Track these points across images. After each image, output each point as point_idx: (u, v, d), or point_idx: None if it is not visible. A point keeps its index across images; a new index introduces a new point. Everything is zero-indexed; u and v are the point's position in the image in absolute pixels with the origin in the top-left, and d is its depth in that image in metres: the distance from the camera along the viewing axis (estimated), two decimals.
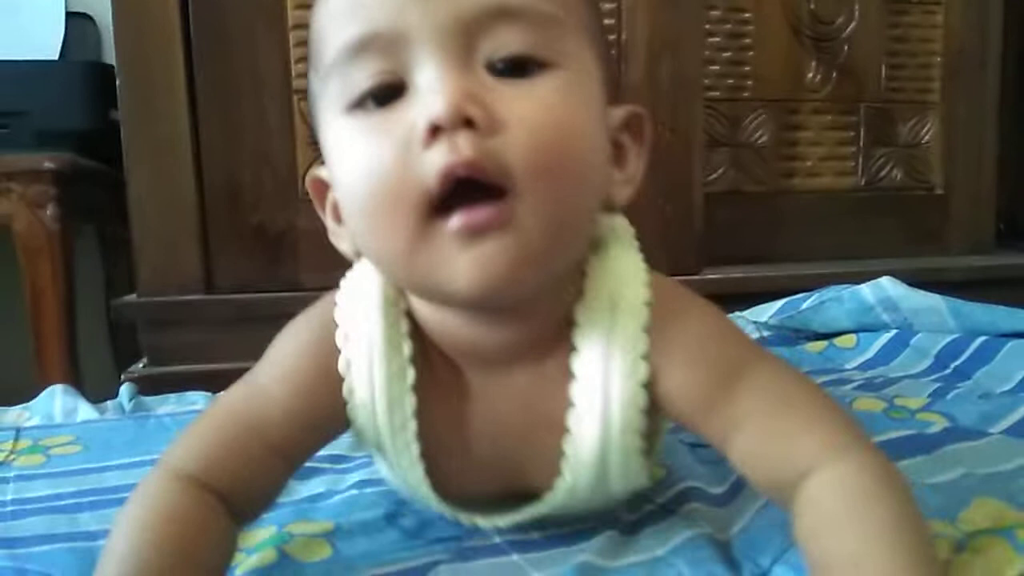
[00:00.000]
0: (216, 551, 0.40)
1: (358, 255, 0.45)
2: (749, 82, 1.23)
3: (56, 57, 1.30)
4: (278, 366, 0.45)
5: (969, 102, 1.30)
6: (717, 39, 1.20)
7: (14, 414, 0.79)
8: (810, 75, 1.25)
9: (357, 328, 0.43)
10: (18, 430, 0.73)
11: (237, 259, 1.02)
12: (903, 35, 1.28)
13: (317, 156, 0.43)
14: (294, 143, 1.02)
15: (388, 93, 0.37)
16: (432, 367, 0.44)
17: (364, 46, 0.37)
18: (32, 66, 1.23)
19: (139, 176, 1.00)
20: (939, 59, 1.29)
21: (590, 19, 0.42)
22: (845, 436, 0.39)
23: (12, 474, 0.63)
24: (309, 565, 0.48)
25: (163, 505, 0.39)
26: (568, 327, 0.43)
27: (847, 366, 0.90)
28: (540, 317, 0.43)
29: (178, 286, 1.01)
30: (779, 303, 1.01)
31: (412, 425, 0.44)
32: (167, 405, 0.82)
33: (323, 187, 0.45)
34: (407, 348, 0.43)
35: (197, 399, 0.83)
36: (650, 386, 0.42)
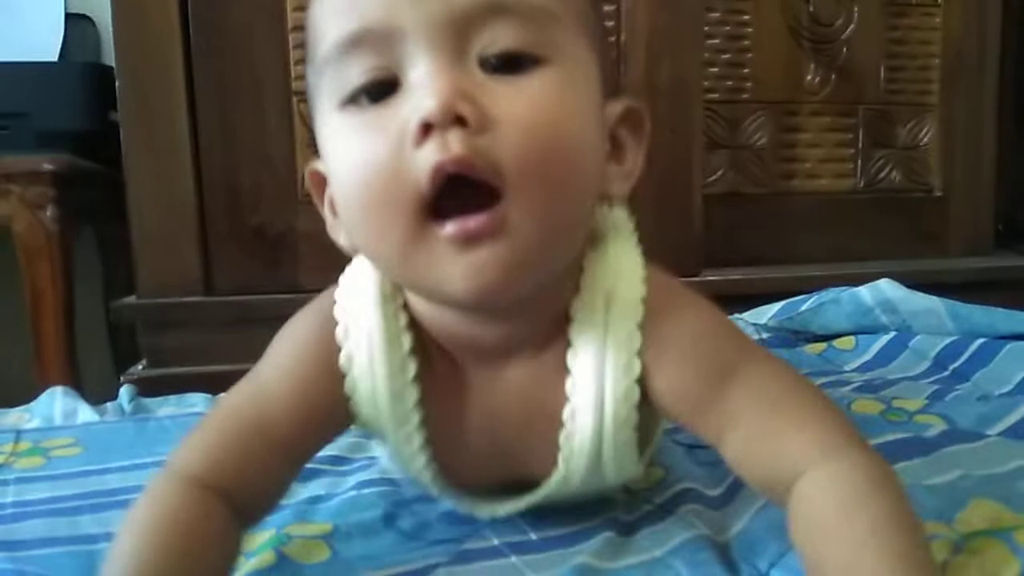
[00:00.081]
0: (220, 555, 0.40)
1: (355, 250, 0.45)
2: (748, 84, 1.23)
3: (55, 58, 1.30)
4: (279, 364, 0.45)
5: (968, 104, 1.30)
6: (716, 41, 1.21)
7: (14, 416, 0.79)
8: (809, 77, 1.25)
9: (356, 324, 0.44)
10: (18, 432, 0.73)
11: (236, 261, 1.02)
12: (902, 37, 1.28)
13: (316, 154, 0.43)
14: (293, 145, 1.02)
15: (381, 89, 0.37)
16: (431, 360, 0.45)
17: (357, 42, 0.37)
18: (31, 67, 1.23)
19: (138, 177, 1.00)
20: (938, 61, 1.29)
21: (587, 13, 0.41)
22: (838, 436, 0.39)
23: (12, 476, 0.63)
24: (308, 567, 0.48)
25: (168, 509, 0.39)
26: (564, 322, 0.43)
27: (846, 368, 0.90)
28: (537, 313, 0.43)
29: (177, 288, 1.01)
30: (778, 305, 1.01)
31: (415, 417, 0.44)
32: (167, 407, 0.82)
33: (321, 180, 0.45)
34: (406, 342, 0.43)
35: (197, 401, 0.83)
36: (643, 382, 0.43)
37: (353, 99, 0.38)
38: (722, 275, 1.12)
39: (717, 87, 1.21)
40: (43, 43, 1.30)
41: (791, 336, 0.99)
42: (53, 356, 1.16)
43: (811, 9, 1.23)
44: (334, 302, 0.45)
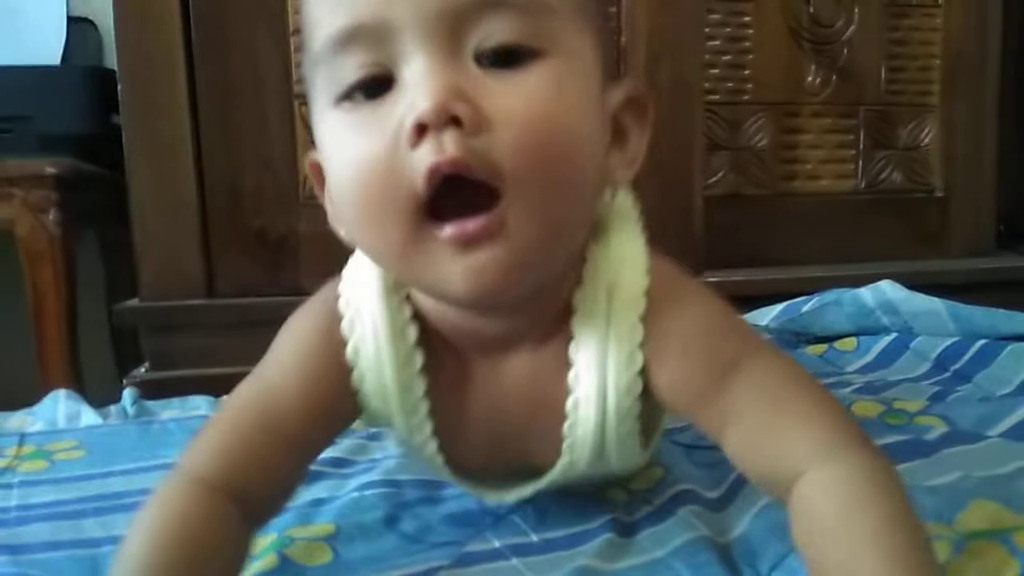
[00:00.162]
0: (228, 559, 0.40)
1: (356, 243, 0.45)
2: (749, 85, 1.23)
3: (58, 62, 1.30)
4: (285, 360, 0.45)
5: (969, 104, 1.31)
6: (717, 42, 1.21)
7: (17, 419, 0.79)
8: (810, 78, 1.25)
9: (361, 317, 0.43)
10: (22, 435, 0.73)
11: (238, 263, 1.02)
12: (902, 38, 1.28)
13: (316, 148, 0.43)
14: (295, 148, 1.03)
15: (376, 85, 0.37)
16: (435, 351, 0.44)
17: (350, 38, 0.36)
18: (34, 71, 1.24)
19: (141, 181, 1.00)
20: (938, 62, 1.29)
21: (584, 1, 0.40)
22: (841, 435, 0.39)
23: (16, 480, 0.63)
24: (310, 569, 0.48)
25: (177, 513, 0.39)
26: (567, 314, 0.43)
27: (847, 369, 0.90)
28: (538, 307, 0.43)
29: (179, 291, 1.01)
30: (779, 306, 1.01)
31: (423, 407, 0.45)
32: (170, 410, 0.82)
33: (322, 171, 0.44)
34: (412, 333, 0.43)
35: (200, 404, 0.83)
36: (646, 374, 0.43)
37: (348, 95, 0.37)
38: (723, 276, 1.12)
39: (718, 88, 1.22)
40: (45, 46, 1.31)
41: (792, 338, 0.99)
42: (55, 359, 1.16)
43: (812, 10, 1.24)
44: (337, 296, 0.45)
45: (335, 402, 0.45)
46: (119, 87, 1.00)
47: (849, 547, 0.35)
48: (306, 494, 0.58)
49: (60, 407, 0.81)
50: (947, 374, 0.85)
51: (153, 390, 0.90)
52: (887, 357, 0.91)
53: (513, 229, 0.35)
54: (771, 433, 0.40)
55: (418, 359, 0.44)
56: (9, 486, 0.62)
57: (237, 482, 0.41)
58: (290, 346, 0.45)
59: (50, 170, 1.13)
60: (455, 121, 0.34)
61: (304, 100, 0.97)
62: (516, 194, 0.35)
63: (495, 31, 0.36)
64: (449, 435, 0.47)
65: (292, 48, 1.01)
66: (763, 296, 1.05)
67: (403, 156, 0.35)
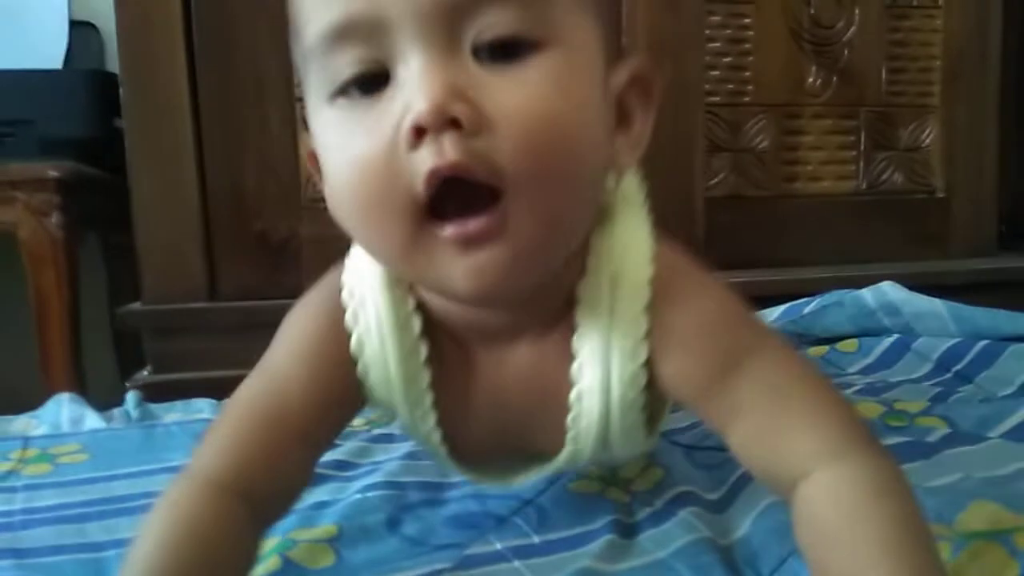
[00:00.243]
0: (237, 562, 0.40)
1: None
2: (749, 87, 1.23)
3: (60, 65, 1.31)
4: (290, 351, 0.44)
5: (969, 105, 1.30)
6: (717, 44, 1.21)
7: (21, 423, 0.80)
8: (810, 80, 1.25)
9: (364, 308, 0.43)
10: (26, 439, 0.73)
11: (241, 267, 1.02)
12: (903, 39, 1.28)
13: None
14: (297, 151, 1.03)
15: (372, 80, 0.36)
16: (438, 342, 0.44)
17: (342, 34, 0.35)
18: (36, 74, 1.24)
19: (143, 184, 1.00)
20: (939, 63, 1.29)
21: None
22: (846, 435, 0.38)
23: (20, 483, 0.63)
24: (313, 572, 0.48)
25: (186, 516, 0.39)
26: (571, 305, 0.42)
27: (849, 370, 0.90)
28: (541, 300, 0.42)
29: (182, 294, 1.01)
30: (781, 308, 1.02)
31: (428, 398, 0.44)
32: (173, 413, 0.82)
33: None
34: (416, 325, 0.43)
35: (203, 407, 0.83)
36: (650, 366, 0.42)
37: (342, 92, 0.36)
38: (724, 278, 1.12)
39: (718, 90, 1.22)
40: (47, 50, 1.31)
41: (794, 339, 1.00)
42: (58, 362, 1.16)
43: (812, 12, 1.24)
44: (340, 287, 0.44)
45: (341, 393, 0.44)
46: (121, 90, 1.00)
47: (855, 554, 0.34)
48: (309, 497, 0.58)
49: (64, 411, 0.81)
50: (948, 375, 0.85)
51: (156, 393, 0.91)
52: (888, 358, 0.91)
53: (515, 228, 0.35)
54: (775, 431, 0.39)
55: (423, 350, 0.43)
56: (14, 489, 0.62)
57: (246, 481, 0.40)
58: (294, 338, 0.45)
59: (52, 173, 1.13)
60: (454, 123, 0.33)
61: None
62: (518, 193, 0.34)
63: (493, 23, 0.35)
64: (453, 425, 0.46)
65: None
66: (764, 298, 1.05)
67: (402, 157, 0.34)
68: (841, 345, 0.96)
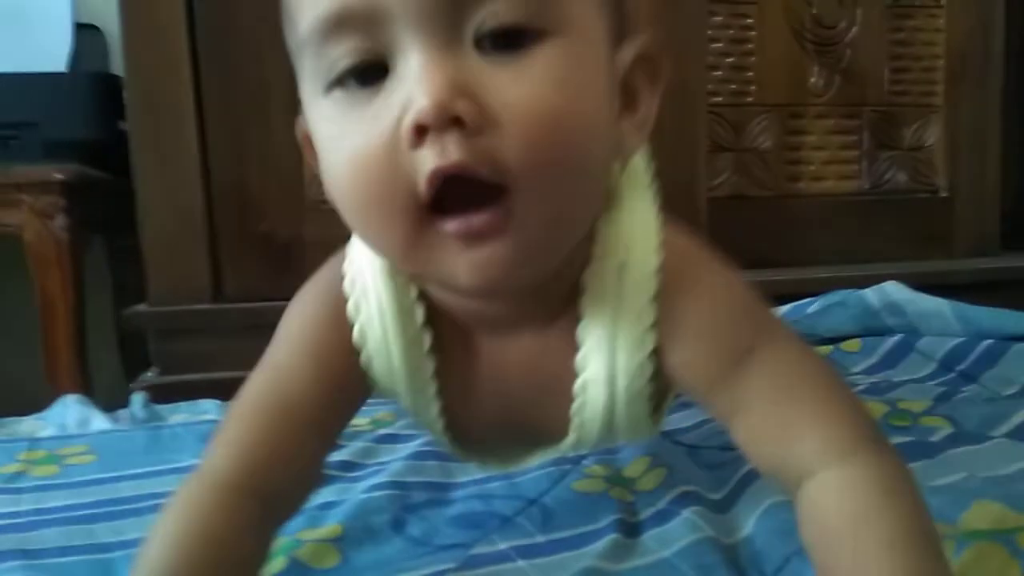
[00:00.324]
0: (248, 562, 0.40)
1: None
2: (752, 87, 1.23)
3: (64, 68, 1.31)
4: (293, 344, 0.44)
5: (973, 104, 1.30)
6: (720, 45, 1.21)
7: (28, 424, 0.80)
8: (813, 80, 1.25)
9: (367, 298, 0.42)
10: (33, 440, 0.74)
11: (245, 268, 1.03)
12: (906, 39, 1.28)
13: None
14: (300, 152, 1.03)
15: (369, 71, 0.34)
16: (441, 330, 0.43)
17: (338, 24, 0.34)
18: (41, 77, 1.24)
19: (148, 186, 1.01)
20: (942, 62, 1.29)
21: None
22: (853, 434, 0.38)
23: (29, 484, 0.64)
24: (318, 572, 0.49)
25: (197, 517, 0.39)
26: (576, 294, 0.41)
27: (852, 370, 0.90)
28: (545, 291, 0.41)
29: (187, 295, 1.02)
30: (784, 308, 1.02)
31: (432, 387, 0.44)
32: (179, 414, 0.83)
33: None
34: (419, 314, 0.42)
35: (209, 408, 0.84)
36: (657, 356, 0.41)
37: (339, 82, 0.35)
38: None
39: (721, 90, 1.22)
40: (52, 53, 1.31)
41: None
42: (64, 364, 1.16)
43: (814, 11, 1.24)
44: (342, 276, 0.43)
45: (346, 383, 0.44)
46: (126, 93, 1.01)
47: (861, 554, 0.34)
48: (315, 497, 0.58)
49: (70, 412, 0.82)
50: (952, 375, 0.85)
51: (161, 394, 0.91)
52: (892, 358, 0.92)
53: (519, 223, 0.34)
54: (783, 427, 0.39)
55: (426, 340, 0.43)
56: (21, 491, 0.62)
57: (256, 479, 0.40)
58: (296, 330, 0.44)
59: (58, 176, 1.14)
60: (457, 121, 0.32)
61: None
62: (522, 189, 0.33)
63: (495, 12, 0.33)
64: (456, 412, 0.46)
65: None
66: (768, 297, 1.05)
67: (402, 154, 0.33)
68: (845, 345, 0.96)
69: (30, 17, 1.32)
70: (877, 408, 0.70)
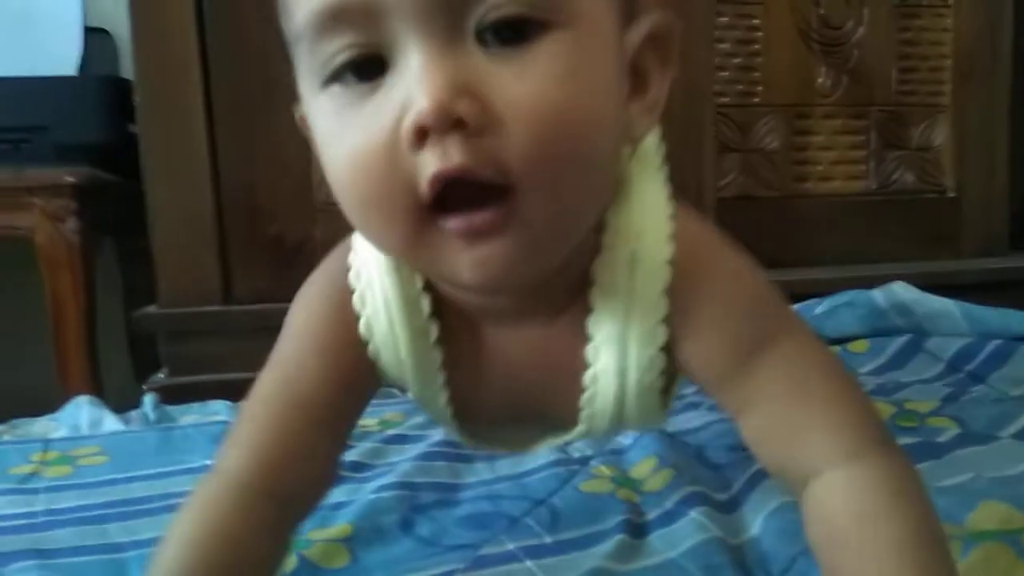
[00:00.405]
0: (264, 564, 0.40)
1: None
2: (759, 87, 1.23)
3: (75, 72, 1.32)
4: (301, 339, 0.43)
5: (980, 104, 1.30)
6: (726, 45, 1.21)
7: (41, 425, 0.81)
8: (820, 80, 1.25)
9: (372, 290, 0.42)
10: (46, 441, 0.74)
11: (255, 270, 1.03)
12: (913, 39, 1.28)
13: None
14: (310, 154, 1.03)
15: (367, 65, 0.33)
16: (448, 319, 0.42)
17: (333, 20, 0.33)
18: (51, 81, 1.25)
19: (158, 189, 1.01)
20: (949, 62, 1.29)
21: None
22: (861, 435, 0.37)
23: (42, 485, 0.64)
24: (328, 571, 0.49)
25: (212, 519, 0.39)
26: (585, 283, 0.40)
27: (860, 371, 0.90)
28: (553, 282, 0.40)
29: (197, 297, 1.02)
30: (792, 308, 1.02)
31: (440, 377, 0.43)
32: (190, 415, 0.83)
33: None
34: (426, 305, 0.41)
35: (220, 409, 0.84)
36: (668, 349, 0.40)
37: (336, 77, 0.34)
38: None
39: (728, 91, 1.22)
40: (62, 57, 1.32)
41: None
42: (75, 365, 1.17)
43: (821, 12, 1.24)
44: (347, 267, 0.43)
45: (355, 375, 0.43)
46: (136, 97, 1.01)
47: (869, 555, 0.34)
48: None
49: (83, 413, 0.83)
50: (960, 375, 0.85)
51: (172, 395, 0.92)
52: (900, 358, 0.92)
53: (522, 221, 0.33)
54: (791, 425, 0.38)
55: (433, 331, 0.42)
56: (36, 491, 0.63)
57: (272, 478, 0.40)
58: (303, 325, 0.44)
59: (68, 179, 1.14)
60: (459, 122, 0.31)
61: None
62: (526, 187, 0.32)
63: (497, 3, 0.32)
64: (465, 401, 0.45)
65: None
66: None
67: (403, 154, 0.32)
68: (852, 346, 0.96)
69: (40, 21, 1.33)
70: (885, 409, 0.70)
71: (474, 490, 0.60)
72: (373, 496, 0.58)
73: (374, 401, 0.47)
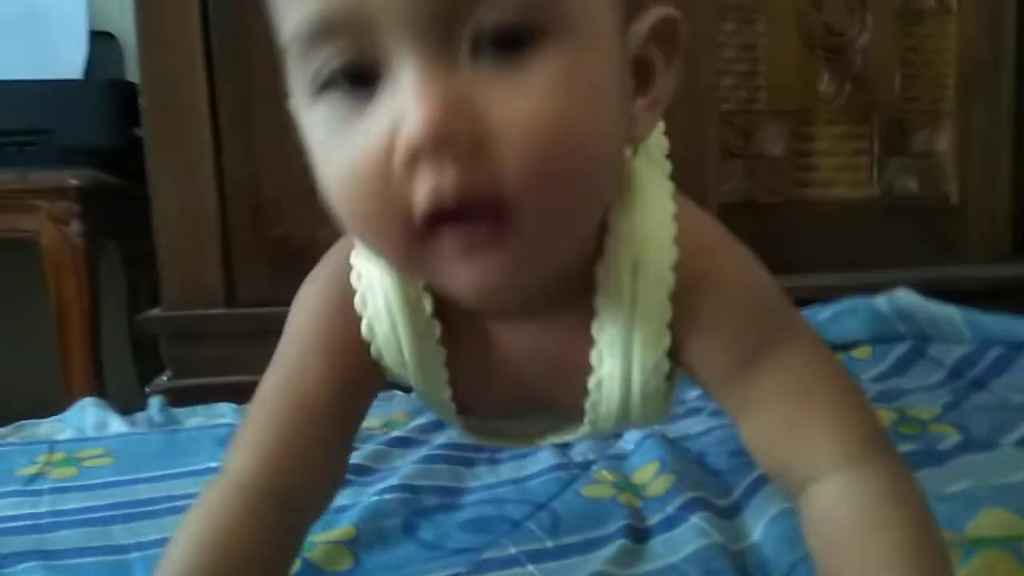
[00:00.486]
0: (273, 567, 0.40)
1: None
2: (762, 93, 1.24)
3: (80, 76, 1.33)
4: (305, 339, 0.43)
5: (984, 111, 1.30)
6: (730, 51, 1.21)
7: (47, 427, 0.81)
8: (823, 86, 1.25)
9: (373, 291, 0.41)
10: (52, 443, 0.75)
11: (259, 273, 1.04)
12: (916, 45, 1.28)
13: None
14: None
15: (358, 77, 0.32)
16: (450, 318, 0.42)
17: (322, 33, 0.32)
18: (56, 85, 1.26)
19: (162, 192, 1.02)
20: (952, 68, 1.29)
21: None
22: (861, 441, 0.38)
23: (47, 486, 0.64)
24: (331, 574, 0.49)
25: (221, 523, 0.39)
26: (589, 288, 0.40)
27: (863, 377, 0.90)
28: (554, 287, 0.39)
29: (201, 300, 1.03)
30: (796, 309, 1.02)
31: (444, 375, 0.43)
32: (196, 418, 0.84)
33: None
34: (427, 305, 0.41)
35: (225, 411, 0.85)
36: (673, 352, 0.40)
37: (327, 87, 0.33)
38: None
39: (731, 97, 1.22)
40: (67, 60, 1.33)
41: None
42: (78, 368, 1.18)
43: (824, 19, 1.24)
44: (348, 267, 0.42)
45: (360, 375, 0.43)
46: (141, 100, 1.02)
47: (868, 561, 0.34)
48: None
49: (88, 415, 0.83)
50: (962, 382, 0.85)
51: (175, 398, 0.92)
52: (902, 365, 0.92)
53: (519, 235, 0.32)
54: (792, 429, 0.38)
55: (436, 331, 0.42)
56: (40, 492, 0.63)
57: (280, 479, 0.40)
58: (307, 325, 0.43)
59: (73, 182, 1.15)
60: (454, 143, 0.30)
61: None
62: (524, 203, 0.32)
63: (493, 11, 0.31)
64: (469, 398, 0.45)
65: None
66: None
67: (396, 172, 0.31)
68: (855, 352, 0.96)
69: (46, 25, 1.34)
70: (886, 415, 0.70)
71: (477, 494, 0.60)
72: (376, 499, 0.58)
73: (378, 401, 0.48)
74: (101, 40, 1.38)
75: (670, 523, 0.53)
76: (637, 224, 0.39)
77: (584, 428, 0.45)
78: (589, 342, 0.41)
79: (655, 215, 0.39)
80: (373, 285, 0.41)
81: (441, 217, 0.32)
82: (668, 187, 0.41)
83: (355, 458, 0.67)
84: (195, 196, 1.02)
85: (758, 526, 0.51)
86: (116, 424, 0.81)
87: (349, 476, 0.63)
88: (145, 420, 0.83)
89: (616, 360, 0.40)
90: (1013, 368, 0.83)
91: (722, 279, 0.40)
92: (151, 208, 1.02)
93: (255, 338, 0.98)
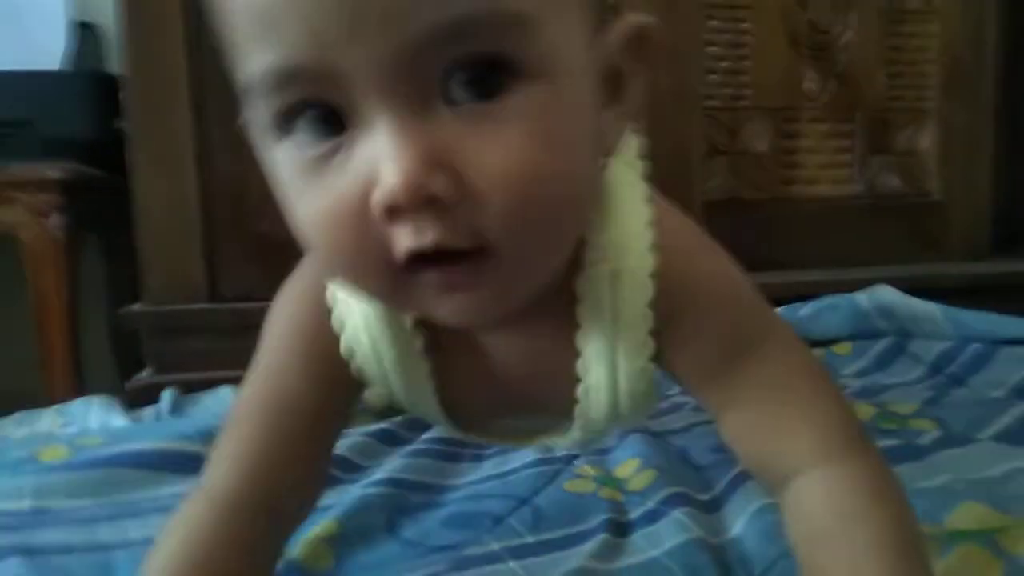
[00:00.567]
0: None
1: None
2: (747, 91, 1.24)
3: (61, 66, 1.31)
4: (284, 351, 0.43)
5: (966, 109, 1.31)
6: (715, 49, 1.21)
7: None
8: (808, 84, 1.26)
9: (350, 311, 0.41)
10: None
11: (242, 267, 1.03)
12: (900, 44, 1.29)
13: None
14: None
15: (325, 122, 0.31)
16: (433, 328, 0.42)
17: (287, 81, 0.31)
18: (37, 75, 1.24)
19: (144, 185, 1.01)
20: (935, 67, 1.30)
21: None
22: (840, 437, 0.38)
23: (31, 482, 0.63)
24: (313, 573, 0.49)
25: (198, 540, 0.38)
26: (571, 301, 0.40)
27: (843, 372, 0.91)
28: (535, 303, 0.37)
29: (183, 295, 1.02)
30: (778, 311, 1.02)
31: (429, 384, 0.43)
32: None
33: None
34: (408, 320, 0.41)
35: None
36: (657, 357, 0.41)
37: (292, 131, 0.32)
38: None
39: (716, 94, 1.22)
40: (48, 51, 1.31)
41: None
42: (58, 362, 1.16)
43: (809, 17, 1.24)
44: (324, 285, 0.42)
45: (341, 385, 0.43)
46: (124, 92, 1.01)
47: (847, 555, 0.35)
48: None
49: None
50: (942, 377, 0.86)
51: (156, 393, 0.92)
52: (883, 360, 0.92)
53: (499, 270, 0.32)
54: (772, 425, 0.39)
55: (417, 344, 0.41)
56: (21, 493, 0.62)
57: (261, 490, 0.40)
58: (285, 336, 0.43)
59: (53, 174, 1.14)
60: (432, 199, 0.30)
61: None
62: (502, 248, 0.32)
63: (464, 53, 0.30)
64: (456, 405, 0.45)
65: None
66: None
67: (373, 223, 0.31)
68: (836, 348, 0.97)
69: (26, 15, 1.32)
70: (866, 410, 0.71)
71: (461, 490, 0.60)
72: (360, 494, 0.58)
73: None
74: (83, 30, 1.37)
75: (652, 517, 0.53)
76: (614, 235, 0.39)
77: (574, 434, 0.45)
78: (575, 352, 0.41)
79: (631, 224, 0.39)
80: (350, 306, 0.41)
81: (420, 259, 0.31)
82: (643, 190, 0.41)
83: (339, 450, 0.66)
84: (177, 189, 1.02)
85: (739, 521, 0.51)
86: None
87: (333, 471, 0.63)
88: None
89: (602, 369, 0.41)
90: (991, 364, 0.84)
91: (701, 282, 0.40)
92: (133, 201, 1.01)
93: (238, 333, 0.98)
